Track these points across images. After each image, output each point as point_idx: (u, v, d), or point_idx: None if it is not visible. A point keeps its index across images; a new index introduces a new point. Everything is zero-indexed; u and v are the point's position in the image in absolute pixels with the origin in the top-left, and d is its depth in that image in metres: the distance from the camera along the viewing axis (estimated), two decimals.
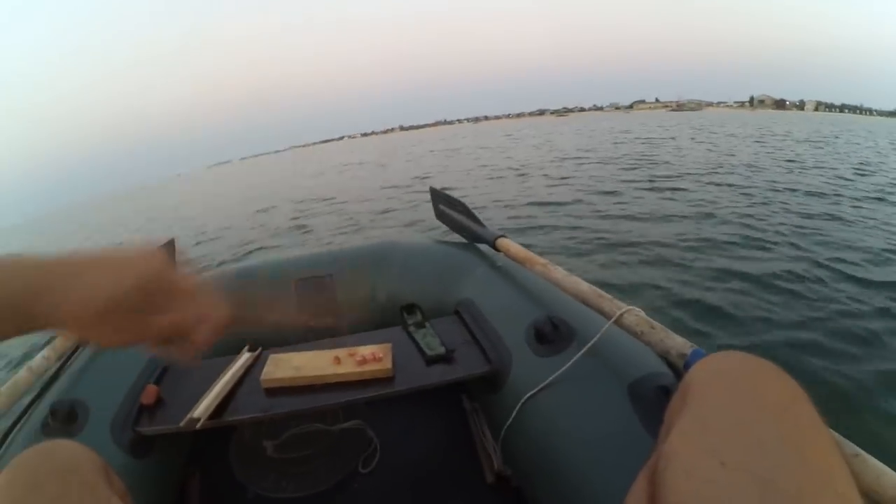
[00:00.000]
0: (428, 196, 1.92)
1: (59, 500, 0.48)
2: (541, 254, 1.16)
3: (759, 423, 0.40)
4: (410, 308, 1.25)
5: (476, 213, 1.58)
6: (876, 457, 0.52)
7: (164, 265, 0.44)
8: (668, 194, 6.36)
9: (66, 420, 0.92)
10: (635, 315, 0.85)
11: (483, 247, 1.43)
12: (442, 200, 1.77)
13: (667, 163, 9.68)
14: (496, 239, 1.32)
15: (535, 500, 0.91)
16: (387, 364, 1.00)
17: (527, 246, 1.24)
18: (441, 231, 1.90)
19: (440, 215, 1.79)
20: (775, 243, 3.91)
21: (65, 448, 0.55)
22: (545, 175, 9.23)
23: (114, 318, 0.41)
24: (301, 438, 1.26)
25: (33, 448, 0.54)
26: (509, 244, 1.27)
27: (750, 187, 6.57)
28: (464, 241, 1.56)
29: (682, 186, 6.82)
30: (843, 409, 1.92)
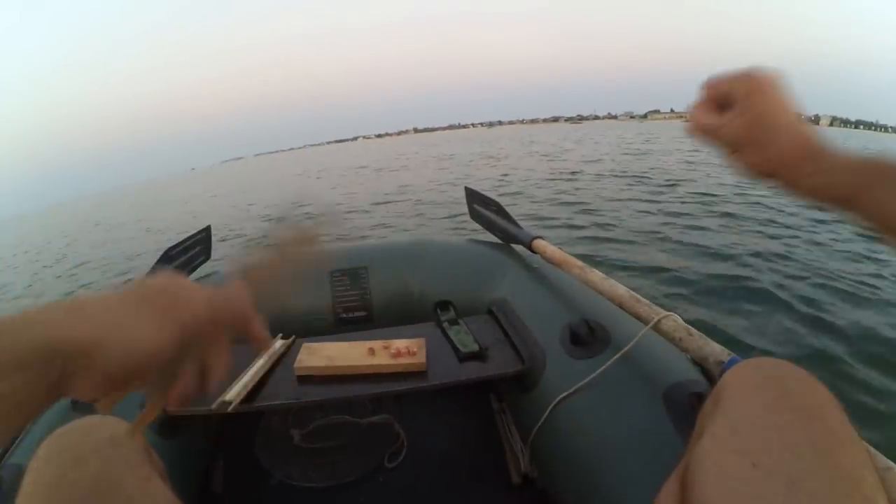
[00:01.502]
0: (460, 196, 1.92)
1: (101, 475, 0.49)
2: (578, 256, 1.15)
3: (790, 428, 0.41)
4: (444, 305, 1.25)
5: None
6: None
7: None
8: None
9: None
10: (673, 321, 0.84)
11: (518, 248, 1.43)
12: (476, 200, 1.77)
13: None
14: (532, 240, 1.32)
15: (562, 501, 0.91)
16: (421, 358, 1.00)
17: (563, 248, 1.23)
18: (474, 231, 1.90)
19: (475, 215, 1.79)
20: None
21: (108, 424, 0.56)
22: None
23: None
24: (328, 429, 1.28)
25: (76, 422, 0.55)
26: (546, 246, 1.26)
27: None
28: (498, 241, 1.56)
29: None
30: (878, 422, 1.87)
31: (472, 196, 1.80)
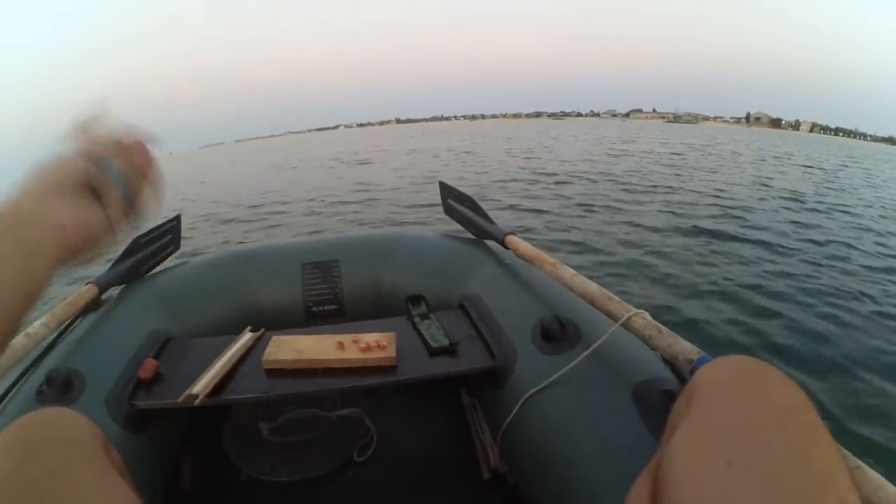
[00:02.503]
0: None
1: (55, 471, 0.47)
2: (550, 252, 1.15)
3: (763, 426, 0.41)
4: (416, 299, 1.25)
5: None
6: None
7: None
8: None
9: (61, 389, 0.91)
10: (643, 318, 0.84)
11: (491, 243, 1.43)
12: (451, 195, 1.77)
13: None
14: (505, 236, 1.32)
15: (531, 497, 0.91)
16: (391, 352, 1.00)
17: (536, 244, 1.23)
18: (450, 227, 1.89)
19: (448, 210, 1.78)
20: None
21: (63, 417, 0.54)
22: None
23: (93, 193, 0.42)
24: (298, 423, 1.26)
25: (30, 415, 0.53)
26: (518, 242, 1.27)
27: None
28: (472, 236, 1.56)
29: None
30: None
31: (447, 191, 1.79)
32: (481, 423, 1.19)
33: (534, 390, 0.90)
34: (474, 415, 1.24)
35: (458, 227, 1.67)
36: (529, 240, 1.28)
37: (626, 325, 0.85)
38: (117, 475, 0.52)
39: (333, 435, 1.23)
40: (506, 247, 1.31)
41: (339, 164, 15.79)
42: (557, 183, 8.43)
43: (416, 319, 1.15)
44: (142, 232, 1.42)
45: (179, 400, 0.90)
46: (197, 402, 0.90)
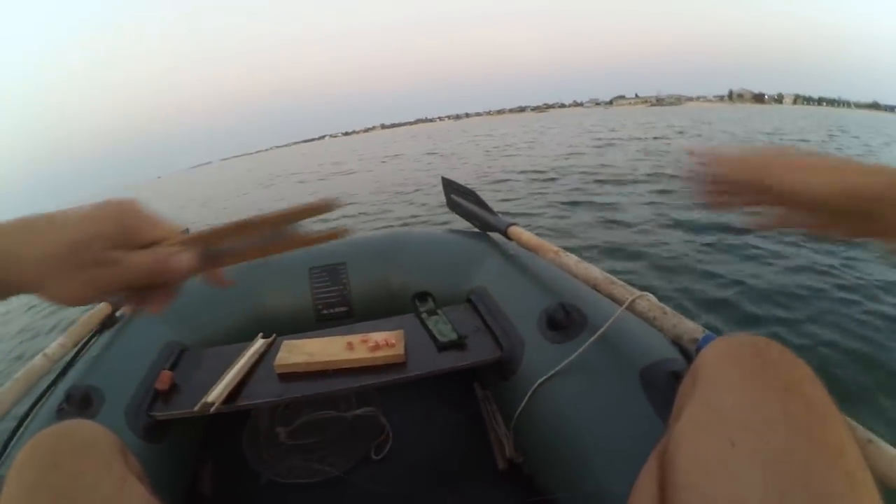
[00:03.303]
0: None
1: (76, 477, 0.49)
2: (552, 241, 1.16)
3: (768, 404, 0.41)
4: (423, 296, 1.26)
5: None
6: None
7: (133, 207, 0.39)
8: None
9: (81, 405, 0.94)
10: (647, 301, 0.85)
11: (495, 235, 1.43)
12: (453, 190, 1.77)
13: None
14: (508, 227, 1.32)
15: (546, 485, 0.92)
16: (399, 350, 1.01)
17: (538, 233, 1.23)
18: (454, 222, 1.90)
19: (451, 205, 1.79)
20: None
21: (82, 427, 0.56)
22: None
23: (81, 270, 0.35)
24: (314, 425, 1.27)
25: (51, 428, 0.55)
26: (521, 232, 1.27)
27: None
28: (475, 230, 1.56)
29: None
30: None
31: (449, 186, 1.80)
32: (495, 415, 1.20)
33: (542, 379, 0.90)
34: (488, 407, 1.24)
35: (462, 222, 1.67)
36: (531, 229, 1.28)
37: (632, 308, 0.85)
38: (136, 480, 0.54)
39: (350, 435, 1.25)
40: (509, 237, 1.32)
41: (317, 176, 15.83)
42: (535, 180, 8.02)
43: (424, 316, 1.16)
44: None
45: (196, 409, 0.92)
46: (213, 409, 0.91)
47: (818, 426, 0.39)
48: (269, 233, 0.42)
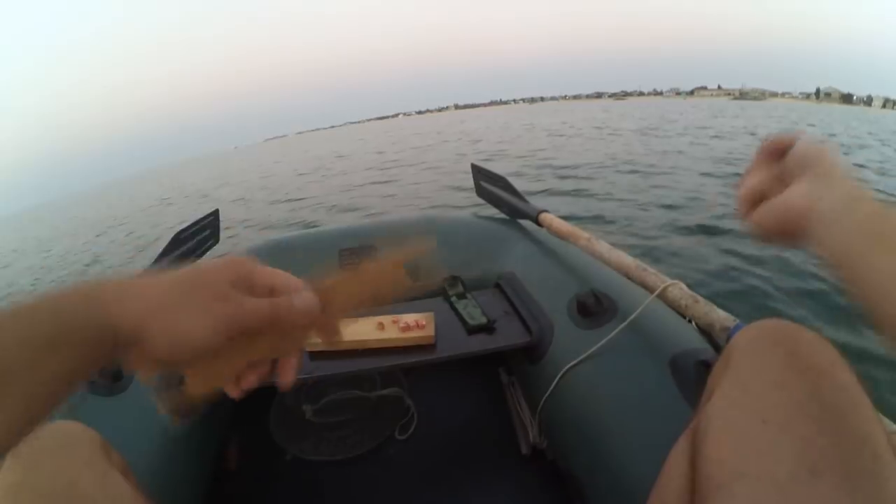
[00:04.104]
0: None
1: (56, 475, 0.51)
2: (584, 227, 1.15)
3: (799, 385, 0.42)
4: (452, 280, 1.26)
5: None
6: None
7: (250, 260, 0.38)
8: None
9: (112, 378, 0.95)
10: (679, 289, 0.84)
11: (525, 222, 1.43)
12: (483, 177, 1.77)
13: None
14: (539, 214, 1.32)
15: (570, 471, 0.92)
16: (429, 332, 1.02)
17: (569, 220, 1.23)
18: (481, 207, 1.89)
19: (481, 192, 1.79)
20: None
21: (63, 428, 0.56)
22: None
23: (202, 302, 0.34)
24: (340, 404, 1.30)
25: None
26: (552, 219, 1.27)
27: None
28: (505, 216, 1.56)
29: None
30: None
31: (479, 173, 1.80)
32: (520, 400, 1.20)
33: (571, 364, 0.90)
34: (512, 392, 1.25)
35: (491, 208, 1.67)
36: (563, 217, 1.28)
37: (662, 296, 0.85)
38: (119, 476, 0.55)
39: (375, 414, 1.26)
40: (539, 224, 1.31)
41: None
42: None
43: (454, 299, 1.17)
44: (182, 227, 1.47)
45: None
46: None
47: (848, 409, 0.40)
48: (377, 281, 0.44)
